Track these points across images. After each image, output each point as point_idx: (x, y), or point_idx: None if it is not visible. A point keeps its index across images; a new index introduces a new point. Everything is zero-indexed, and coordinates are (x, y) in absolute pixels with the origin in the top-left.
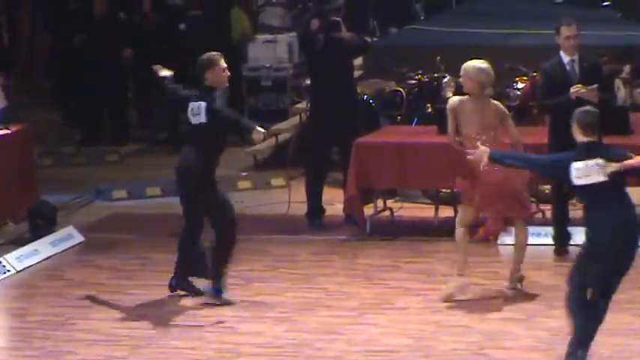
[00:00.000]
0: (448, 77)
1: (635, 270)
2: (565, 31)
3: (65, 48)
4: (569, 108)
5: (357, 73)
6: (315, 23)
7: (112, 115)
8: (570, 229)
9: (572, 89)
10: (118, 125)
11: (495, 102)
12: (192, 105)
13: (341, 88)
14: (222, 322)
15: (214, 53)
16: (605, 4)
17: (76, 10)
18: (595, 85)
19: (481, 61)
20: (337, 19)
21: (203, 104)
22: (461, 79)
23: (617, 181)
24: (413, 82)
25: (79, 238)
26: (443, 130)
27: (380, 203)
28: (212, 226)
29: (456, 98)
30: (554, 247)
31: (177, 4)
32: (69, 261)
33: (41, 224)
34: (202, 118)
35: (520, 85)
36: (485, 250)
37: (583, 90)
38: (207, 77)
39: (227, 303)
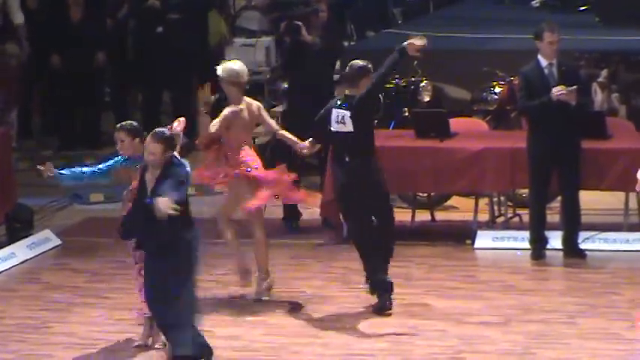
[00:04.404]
0: (425, 81)
1: (611, 275)
2: (548, 36)
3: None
4: (548, 110)
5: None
6: (282, 26)
7: (85, 119)
8: (547, 233)
9: (554, 90)
10: (92, 129)
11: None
12: (337, 113)
13: (316, 91)
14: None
15: (367, 62)
16: (582, 8)
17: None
18: (574, 87)
19: (234, 61)
20: (298, 22)
21: (347, 114)
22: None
23: None
24: (390, 85)
25: (56, 241)
26: (420, 134)
27: None
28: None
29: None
30: (530, 251)
31: (156, 7)
32: (46, 264)
33: (18, 227)
34: (349, 127)
35: (497, 90)
36: (462, 254)
37: (564, 91)
38: (361, 84)
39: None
